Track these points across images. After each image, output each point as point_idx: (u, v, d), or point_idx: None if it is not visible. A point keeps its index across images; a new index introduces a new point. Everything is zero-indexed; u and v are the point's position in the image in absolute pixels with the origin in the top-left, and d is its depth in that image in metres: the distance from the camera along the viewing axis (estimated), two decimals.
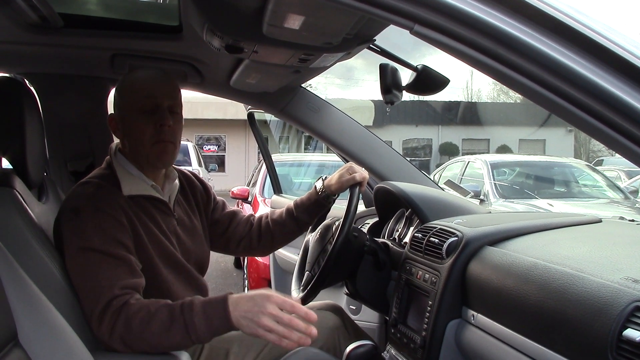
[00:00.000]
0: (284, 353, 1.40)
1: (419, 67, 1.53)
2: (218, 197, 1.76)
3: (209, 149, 21.62)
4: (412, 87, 1.54)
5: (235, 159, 21.07)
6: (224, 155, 21.69)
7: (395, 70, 1.53)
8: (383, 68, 1.51)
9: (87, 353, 1.06)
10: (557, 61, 0.77)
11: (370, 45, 1.53)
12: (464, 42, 0.80)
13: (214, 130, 21.01)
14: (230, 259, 6.82)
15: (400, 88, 1.53)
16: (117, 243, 1.33)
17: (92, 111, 2.16)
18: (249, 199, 5.81)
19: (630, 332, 0.80)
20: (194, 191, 1.66)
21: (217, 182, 13.77)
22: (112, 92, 2.16)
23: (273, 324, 1.18)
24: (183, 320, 1.22)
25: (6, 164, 1.47)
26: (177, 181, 1.58)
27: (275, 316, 1.19)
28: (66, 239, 1.33)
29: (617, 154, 0.83)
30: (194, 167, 10.72)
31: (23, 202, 1.34)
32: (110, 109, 2.16)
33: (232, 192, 6.02)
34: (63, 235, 1.34)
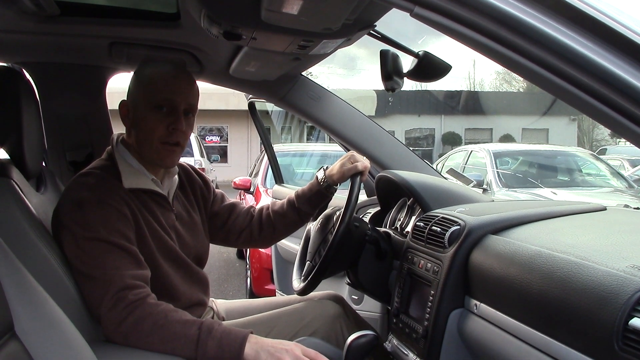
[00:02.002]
0: None
1: (420, 53, 1.50)
2: (217, 190, 1.75)
3: (212, 139, 21.64)
4: (413, 74, 1.52)
5: (238, 150, 21.09)
6: (226, 146, 21.71)
7: (396, 57, 1.50)
8: (384, 54, 1.49)
9: (85, 344, 1.05)
10: (562, 44, 0.75)
11: (371, 31, 1.50)
12: (466, 25, 0.78)
13: (216, 121, 21.02)
14: (232, 249, 6.82)
15: (401, 75, 1.50)
16: (122, 235, 1.32)
17: (91, 101, 2.15)
18: (251, 190, 5.81)
19: (637, 322, 0.79)
20: (193, 186, 1.65)
21: (219, 173, 13.77)
22: (110, 80, 2.17)
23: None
24: (197, 337, 1.23)
25: (4, 154, 1.46)
26: (176, 176, 1.57)
27: (297, 357, 1.22)
28: (68, 229, 1.32)
29: (620, 143, 0.81)
30: (196, 158, 10.71)
31: (20, 192, 1.33)
32: (109, 99, 2.16)
33: (234, 182, 6.03)
34: (65, 225, 1.33)
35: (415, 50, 1.54)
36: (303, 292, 1.64)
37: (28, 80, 1.53)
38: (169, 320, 1.25)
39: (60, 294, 1.17)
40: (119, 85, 2.09)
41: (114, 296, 1.25)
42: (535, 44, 0.75)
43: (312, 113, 2.13)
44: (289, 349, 1.24)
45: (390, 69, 1.48)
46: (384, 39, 1.55)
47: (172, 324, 1.24)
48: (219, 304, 1.74)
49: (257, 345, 1.23)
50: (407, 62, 1.56)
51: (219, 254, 6.77)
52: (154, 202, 1.46)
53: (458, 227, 1.31)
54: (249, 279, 4.71)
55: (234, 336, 1.24)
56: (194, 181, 1.66)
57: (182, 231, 1.53)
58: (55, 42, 1.90)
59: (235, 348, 1.23)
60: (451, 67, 1.51)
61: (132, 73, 1.52)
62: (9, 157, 1.43)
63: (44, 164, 1.77)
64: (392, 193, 1.86)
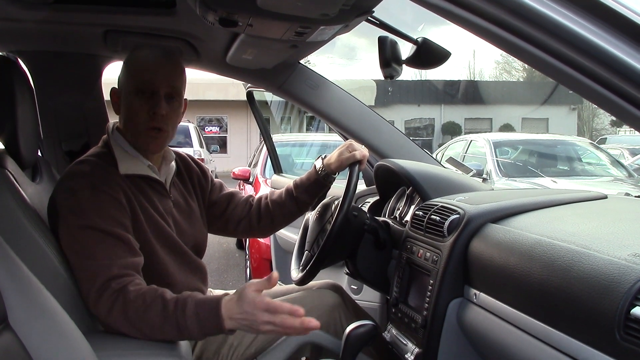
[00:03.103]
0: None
1: (419, 39, 1.48)
2: (215, 179, 1.74)
3: (211, 130, 21.60)
4: (412, 61, 1.50)
5: (237, 140, 21.06)
6: (225, 136, 21.68)
7: (394, 43, 1.48)
8: (382, 41, 1.46)
9: (80, 334, 1.04)
10: (564, 27, 0.73)
11: (369, 18, 1.48)
12: (466, 8, 0.75)
13: (216, 112, 20.97)
14: (232, 240, 6.82)
15: (399, 62, 1.48)
16: (116, 222, 1.31)
17: (87, 90, 2.13)
18: (251, 180, 5.80)
19: (638, 311, 0.77)
20: (191, 174, 1.64)
21: (219, 164, 13.74)
22: (110, 71, 2.15)
23: (270, 327, 1.20)
24: (176, 320, 1.21)
25: None
26: (173, 163, 1.56)
27: (268, 322, 1.19)
28: (63, 217, 1.31)
29: (620, 132, 0.79)
30: (196, 148, 10.68)
31: (15, 182, 1.32)
32: (105, 88, 2.14)
33: (234, 172, 6.01)
34: (59, 213, 1.32)
35: (415, 37, 1.52)
36: (302, 281, 1.63)
37: (23, 69, 1.51)
38: (147, 304, 1.22)
39: (55, 285, 1.16)
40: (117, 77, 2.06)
41: (99, 288, 1.24)
42: (537, 28, 0.73)
43: (310, 102, 2.11)
44: (258, 320, 1.19)
45: (388, 56, 1.46)
46: (382, 25, 1.53)
47: (151, 308, 1.22)
48: (216, 294, 1.73)
49: (232, 322, 1.21)
50: (406, 50, 1.54)
51: (219, 245, 6.77)
52: (150, 188, 1.45)
53: (457, 215, 1.30)
54: (248, 269, 4.72)
55: (208, 308, 1.22)
56: (191, 169, 1.65)
57: (179, 218, 1.52)
58: (50, 30, 1.88)
59: (214, 322, 1.21)
60: (450, 53, 1.49)
61: None
62: (3, 147, 1.41)
63: (39, 153, 1.75)
64: (391, 182, 1.85)
